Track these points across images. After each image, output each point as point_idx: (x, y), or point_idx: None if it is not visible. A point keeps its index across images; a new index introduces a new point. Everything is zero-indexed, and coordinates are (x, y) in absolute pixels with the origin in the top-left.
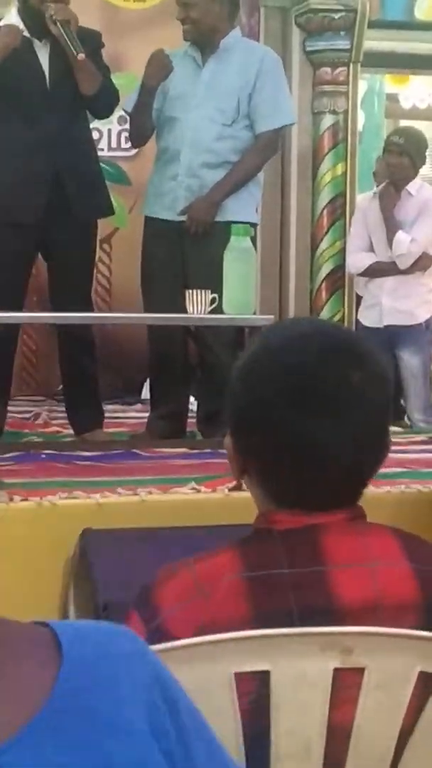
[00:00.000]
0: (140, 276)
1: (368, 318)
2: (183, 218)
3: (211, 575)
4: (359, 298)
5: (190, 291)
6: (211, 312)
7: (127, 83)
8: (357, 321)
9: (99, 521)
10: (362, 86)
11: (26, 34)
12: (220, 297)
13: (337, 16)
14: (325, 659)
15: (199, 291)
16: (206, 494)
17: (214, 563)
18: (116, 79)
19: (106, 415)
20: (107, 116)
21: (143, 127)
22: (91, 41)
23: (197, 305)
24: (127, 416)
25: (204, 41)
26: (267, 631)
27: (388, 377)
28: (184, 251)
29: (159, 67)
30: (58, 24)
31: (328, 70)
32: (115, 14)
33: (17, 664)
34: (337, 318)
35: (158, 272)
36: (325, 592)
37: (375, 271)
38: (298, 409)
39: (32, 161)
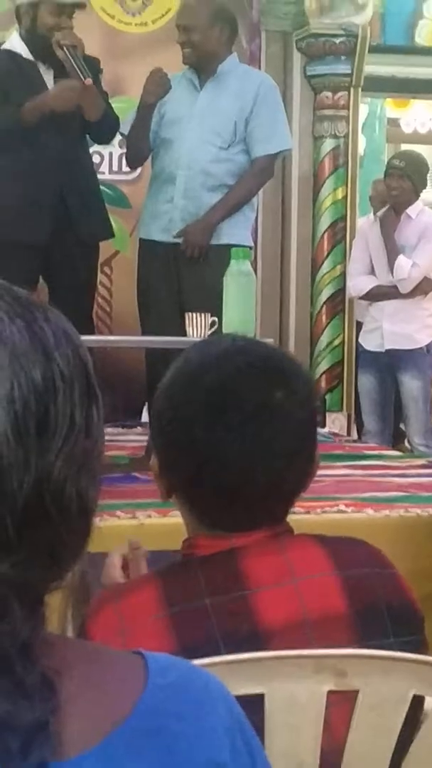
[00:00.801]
0: (137, 297)
1: (369, 342)
2: (178, 240)
3: (134, 613)
4: (359, 323)
5: (190, 314)
6: (211, 335)
7: (127, 107)
8: (358, 344)
9: (98, 545)
10: (363, 110)
11: (30, 57)
12: (220, 320)
13: (338, 40)
14: (318, 682)
15: (199, 314)
16: None
17: (138, 600)
18: (117, 103)
19: (106, 438)
20: (108, 142)
21: (140, 147)
22: (91, 67)
23: (197, 328)
24: (127, 439)
25: (203, 65)
26: (260, 654)
27: (312, 394)
28: (180, 273)
29: (157, 84)
30: (65, 49)
31: (329, 94)
32: (117, 38)
33: (105, 682)
34: (337, 342)
35: (154, 294)
36: (248, 616)
37: (376, 295)
38: (216, 427)
39: (37, 183)
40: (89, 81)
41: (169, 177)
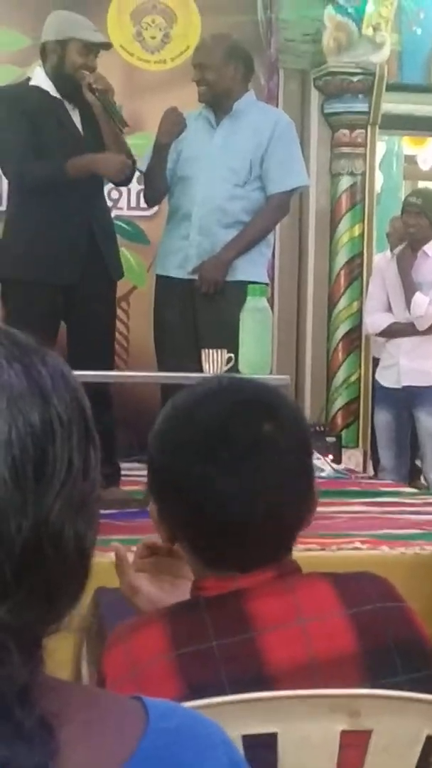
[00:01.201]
0: (153, 332)
1: (386, 378)
2: (194, 276)
3: (143, 653)
4: (375, 360)
5: (207, 350)
6: (227, 371)
7: (145, 143)
8: (374, 381)
9: (113, 580)
10: (380, 148)
11: (56, 95)
12: (237, 356)
13: (355, 78)
14: (332, 721)
15: (215, 350)
16: None
17: (146, 640)
18: (135, 139)
19: (122, 472)
20: (126, 185)
21: (157, 185)
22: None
23: (213, 364)
24: (143, 474)
25: (218, 103)
26: (275, 694)
27: (304, 427)
28: (196, 309)
29: (173, 124)
30: (97, 94)
31: (347, 132)
32: (135, 75)
33: (104, 726)
34: (353, 379)
35: (170, 329)
36: (254, 659)
37: (393, 332)
38: (209, 467)
39: (69, 223)
40: (127, 130)
41: (185, 214)
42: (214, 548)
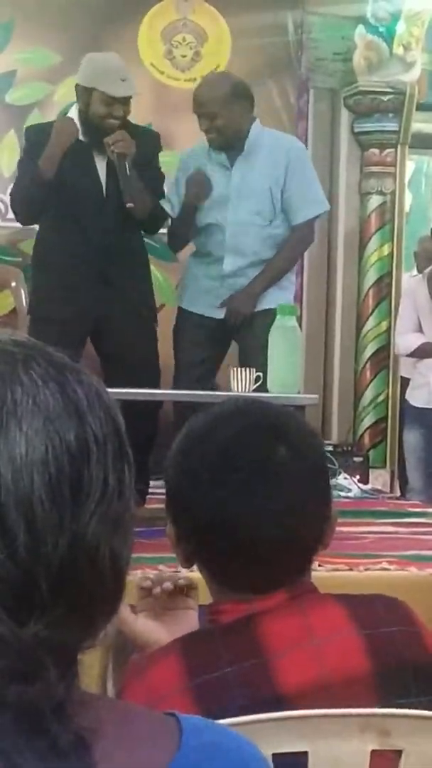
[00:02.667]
0: (175, 359)
1: (417, 398)
2: (222, 312)
3: (159, 687)
4: (404, 379)
5: (235, 369)
6: (256, 390)
7: (174, 161)
8: (404, 401)
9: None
10: (410, 167)
11: (83, 138)
12: (265, 375)
13: (385, 98)
14: (362, 741)
15: (243, 369)
16: None
17: (161, 673)
18: (165, 157)
19: (150, 490)
20: (154, 233)
21: (184, 239)
22: (151, 143)
23: (242, 383)
24: None
25: (230, 144)
26: (306, 712)
27: (319, 451)
28: (225, 339)
29: (201, 187)
30: (115, 156)
31: (376, 151)
32: (166, 93)
33: (139, 742)
34: (381, 398)
35: (192, 361)
36: (268, 683)
37: (424, 352)
38: (221, 490)
39: (81, 265)
40: (131, 205)
41: (216, 259)
42: (229, 571)
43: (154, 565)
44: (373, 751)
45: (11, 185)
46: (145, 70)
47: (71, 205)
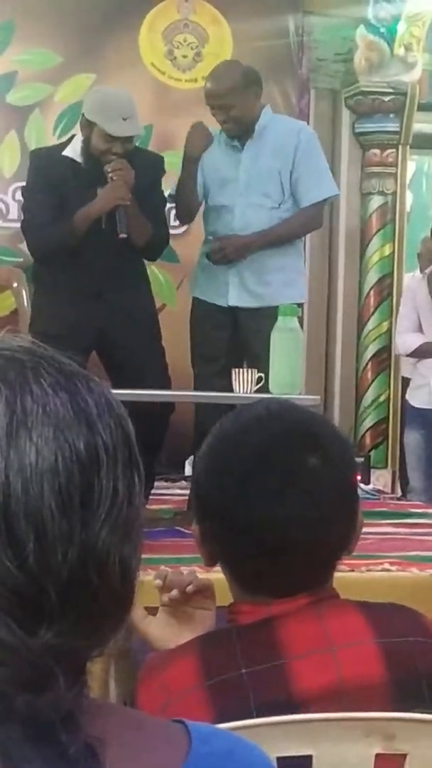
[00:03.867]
0: (191, 350)
1: (417, 398)
2: (235, 304)
3: (175, 685)
4: (404, 380)
5: (237, 369)
6: (257, 391)
7: (177, 161)
8: (405, 401)
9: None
10: (410, 167)
11: (85, 167)
12: (267, 376)
13: (386, 98)
14: (367, 745)
15: (245, 370)
16: None
17: (178, 671)
18: (167, 157)
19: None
20: (154, 260)
21: (189, 202)
22: (154, 167)
23: (243, 384)
24: (171, 493)
25: (245, 132)
26: (310, 716)
27: (349, 457)
28: (237, 334)
29: (200, 137)
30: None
31: (377, 151)
32: (167, 93)
33: (148, 750)
34: (382, 399)
35: (209, 352)
36: (283, 685)
37: (424, 352)
38: (250, 492)
39: (78, 295)
40: (124, 236)
41: None
42: (252, 573)
43: (156, 566)
44: (377, 755)
45: (11, 186)
46: (146, 70)
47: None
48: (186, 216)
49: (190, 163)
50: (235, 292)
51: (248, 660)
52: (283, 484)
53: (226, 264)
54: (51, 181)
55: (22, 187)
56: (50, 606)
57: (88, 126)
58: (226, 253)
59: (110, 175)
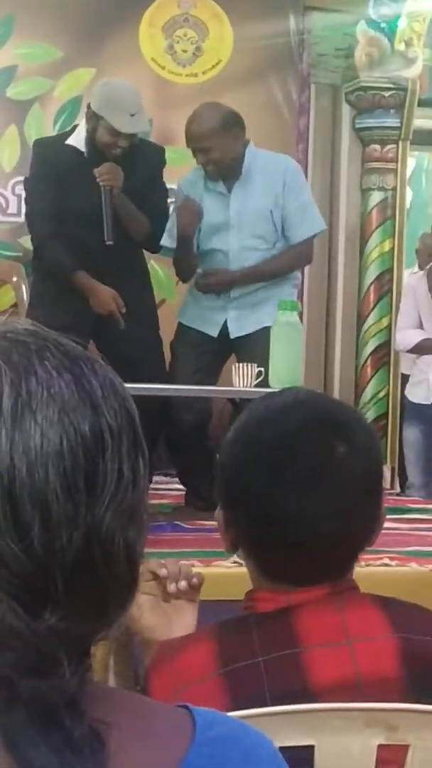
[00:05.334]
0: (170, 367)
1: (416, 394)
2: (236, 335)
3: (189, 672)
4: (404, 376)
5: (237, 364)
6: (257, 386)
7: (177, 156)
8: (404, 397)
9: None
10: (410, 163)
11: (88, 158)
12: (267, 370)
13: (387, 94)
14: (369, 735)
15: (245, 365)
16: None
17: (193, 658)
18: (167, 152)
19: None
20: (156, 252)
21: (189, 268)
22: (155, 159)
23: (243, 378)
24: (170, 488)
25: (227, 173)
26: (313, 706)
27: (376, 448)
28: (218, 360)
29: (192, 216)
30: (102, 190)
31: (378, 147)
32: (168, 88)
33: (152, 735)
34: (381, 394)
35: (186, 372)
36: (298, 674)
37: (423, 348)
38: (278, 481)
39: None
40: (110, 243)
41: None
42: (274, 561)
43: (156, 561)
44: (380, 746)
45: (11, 180)
46: (146, 65)
47: (70, 224)
48: (186, 278)
49: (186, 240)
50: (234, 326)
51: (265, 648)
52: (310, 473)
53: (211, 293)
54: (54, 170)
55: (25, 178)
56: (55, 589)
57: (95, 118)
58: (210, 282)
59: (98, 180)
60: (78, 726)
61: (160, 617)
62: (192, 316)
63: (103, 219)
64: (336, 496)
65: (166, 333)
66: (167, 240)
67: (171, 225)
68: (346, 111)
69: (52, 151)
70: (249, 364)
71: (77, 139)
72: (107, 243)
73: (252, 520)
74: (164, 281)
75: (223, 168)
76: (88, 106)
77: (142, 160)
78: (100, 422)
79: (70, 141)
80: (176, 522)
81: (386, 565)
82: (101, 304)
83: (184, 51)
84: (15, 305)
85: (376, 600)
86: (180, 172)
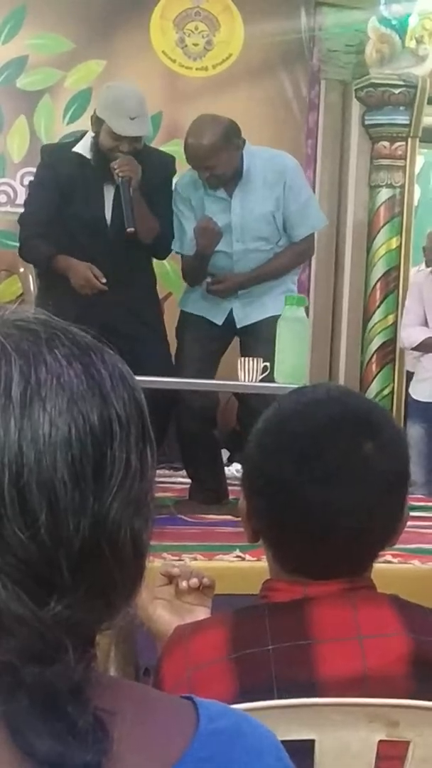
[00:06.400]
0: (175, 358)
1: (420, 392)
2: (242, 325)
3: (201, 655)
4: (408, 373)
5: (243, 359)
6: (262, 380)
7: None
8: (408, 394)
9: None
10: (418, 161)
11: (93, 164)
12: (272, 363)
13: (397, 91)
14: (370, 731)
15: (251, 359)
16: (251, 562)
17: (206, 641)
18: (175, 146)
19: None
20: (163, 258)
21: (199, 279)
22: (164, 167)
23: (249, 372)
24: (174, 481)
25: (228, 181)
26: (314, 700)
27: (403, 449)
28: (223, 348)
29: (211, 236)
30: (119, 181)
31: (387, 144)
32: (177, 81)
33: (156, 725)
34: (386, 392)
35: (195, 355)
36: (307, 666)
37: (428, 346)
38: (305, 476)
39: (85, 297)
40: (131, 231)
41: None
42: (294, 554)
43: (159, 553)
44: (380, 742)
45: (20, 171)
46: (157, 57)
47: (75, 231)
48: (193, 283)
49: (204, 259)
50: (240, 315)
51: (276, 637)
52: (337, 469)
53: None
54: (57, 176)
55: (30, 181)
56: (61, 578)
57: (98, 122)
58: (219, 290)
59: (116, 172)
60: (82, 714)
61: (174, 617)
62: (196, 304)
63: (107, 218)
64: (360, 492)
65: (173, 325)
66: (179, 245)
67: (181, 233)
68: (355, 107)
69: (57, 157)
70: (254, 359)
71: (84, 146)
72: (128, 231)
73: (274, 511)
74: (171, 275)
75: (225, 180)
76: (93, 112)
77: (151, 167)
78: (108, 412)
79: (77, 148)
80: (179, 516)
81: (388, 561)
82: (77, 276)
83: (195, 44)
84: (22, 295)
85: (392, 600)
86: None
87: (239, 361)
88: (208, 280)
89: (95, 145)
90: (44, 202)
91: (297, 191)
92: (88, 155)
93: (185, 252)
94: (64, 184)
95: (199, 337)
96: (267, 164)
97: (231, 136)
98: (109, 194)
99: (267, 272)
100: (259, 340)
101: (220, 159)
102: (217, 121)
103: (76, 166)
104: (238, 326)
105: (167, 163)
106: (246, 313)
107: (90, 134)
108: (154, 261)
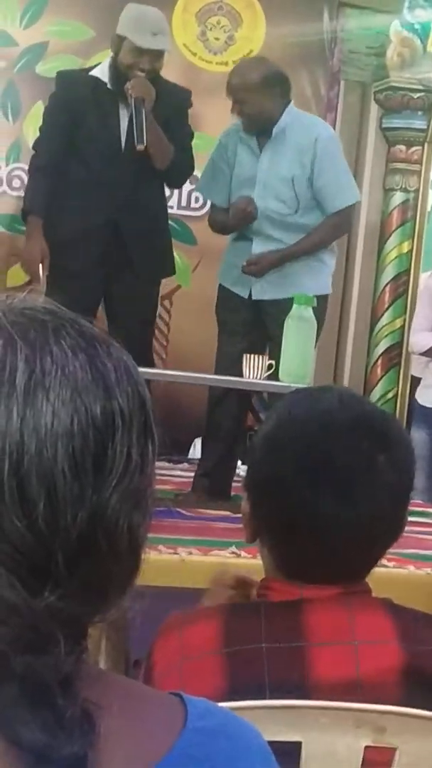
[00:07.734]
0: (218, 334)
1: (426, 398)
2: (258, 298)
3: (194, 645)
4: (414, 378)
5: (248, 355)
6: (267, 379)
7: (203, 143)
8: (413, 399)
9: (151, 577)
10: None
11: (110, 87)
12: (279, 364)
13: (416, 95)
14: (357, 736)
15: (256, 356)
16: (246, 559)
17: (200, 632)
18: (196, 140)
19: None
20: (178, 187)
21: (225, 233)
22: (180, 100)
23: (253, 370)
24: (173, 474)
25: (260, 130)
26: (302, 703)
27: (411, 461)
28: (258, 320)
29: (246, 220)
30: (132, 101)
31: (403, 148)
32: (197, 75)
33: (143, 720)
34: (390, 395)
35: (232, 333)
36: (300, 667)
37: None
38: (313, 485)
39: (92, 216)
40: (141, 148)
41: (245, 239)
42: (293, 558)
43: (155, 545)
44: (367, 747)
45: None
46: (178, 50)
47: (87, 155)
48: (217, 232)
49: (231, 230)
50: (257, 288)
51: (270, 636)
52: (344, 480)
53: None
54: (69, 101)
55: (45, 107)
56: (56, 568)
57: (118, 41)
58: (254, 271)
59: (130, 92)
60: (70, 706)
61: None
62: (228, 276)
63: (122, 142)
64: (368, 504)
65: (182, 319)
66: (206, 192)
67: (210, 179)
68: (373, 110)
69: (71, 81)
70: (259, 356)
71: (101, 70)
72: (138, 147)
73: (277, 516)
74: (181, 268)
75: (256, 124)
76: (114, 34)
77: (167, 97)
78: (111, 405)
79: (94, 72)
80: (177, 509)
81: (384, 566)
82: (28, 254)
83: (217, 39)
84: (30, 282)
85: (387, 606)
86: (206, 158)
87: (244, 358)
88: (243, 263)
89: (113, 66)
90: (55, 129)
91: (329, 162)
92: (104, 78)
93: (214, 201)
94: (77, 108)
95: (233, 315)
96: (303, 129)
97: (271, 81)
98: (124, 118)
99: (302, 247)
100: (278, 321)
101: (250, 97)
102: (264, 63)
103: (89, 88)
104: (254, 299)
105: (184, 94)
106: (262, 288)
107: (108, 59)
108: None
